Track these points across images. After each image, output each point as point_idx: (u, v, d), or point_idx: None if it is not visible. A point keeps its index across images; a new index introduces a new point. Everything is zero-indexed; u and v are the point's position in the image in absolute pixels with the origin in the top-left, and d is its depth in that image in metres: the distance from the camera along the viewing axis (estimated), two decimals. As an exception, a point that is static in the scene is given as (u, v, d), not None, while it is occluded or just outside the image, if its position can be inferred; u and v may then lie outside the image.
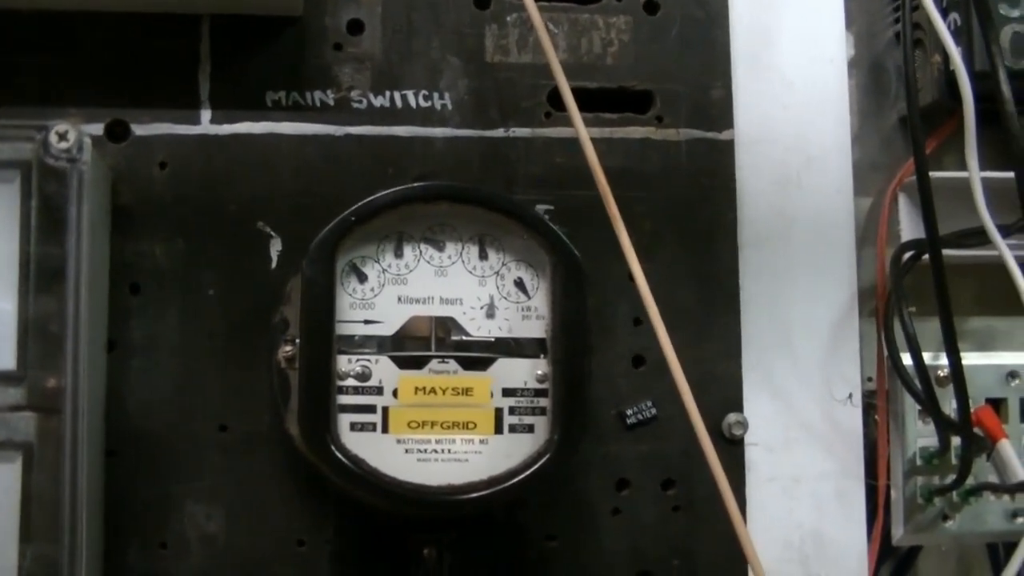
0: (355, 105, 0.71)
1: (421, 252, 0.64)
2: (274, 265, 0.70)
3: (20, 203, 0.64)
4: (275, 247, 0.70)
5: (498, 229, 0.64)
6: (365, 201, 0.63)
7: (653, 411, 0.70)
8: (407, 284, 0.64)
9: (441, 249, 0.64)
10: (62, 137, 0.63)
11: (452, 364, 0.63)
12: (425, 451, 0.63)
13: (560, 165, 0.72)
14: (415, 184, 0.65)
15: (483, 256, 0.64)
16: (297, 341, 0.65)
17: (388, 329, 0.64)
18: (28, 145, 0.64)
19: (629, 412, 0.70)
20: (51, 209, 0.64)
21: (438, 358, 0.63)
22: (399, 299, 0.64)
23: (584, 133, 0.65)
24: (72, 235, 0.63)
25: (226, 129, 0.70)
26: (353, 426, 0.63)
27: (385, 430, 0.63)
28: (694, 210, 0.73)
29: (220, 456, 0.69)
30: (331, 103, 0.71)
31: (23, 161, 0.64)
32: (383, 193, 0.64)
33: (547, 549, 0.70)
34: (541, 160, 0.72)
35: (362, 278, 0.64)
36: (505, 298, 0.64)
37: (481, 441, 0.63)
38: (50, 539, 0.63)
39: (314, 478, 0.68)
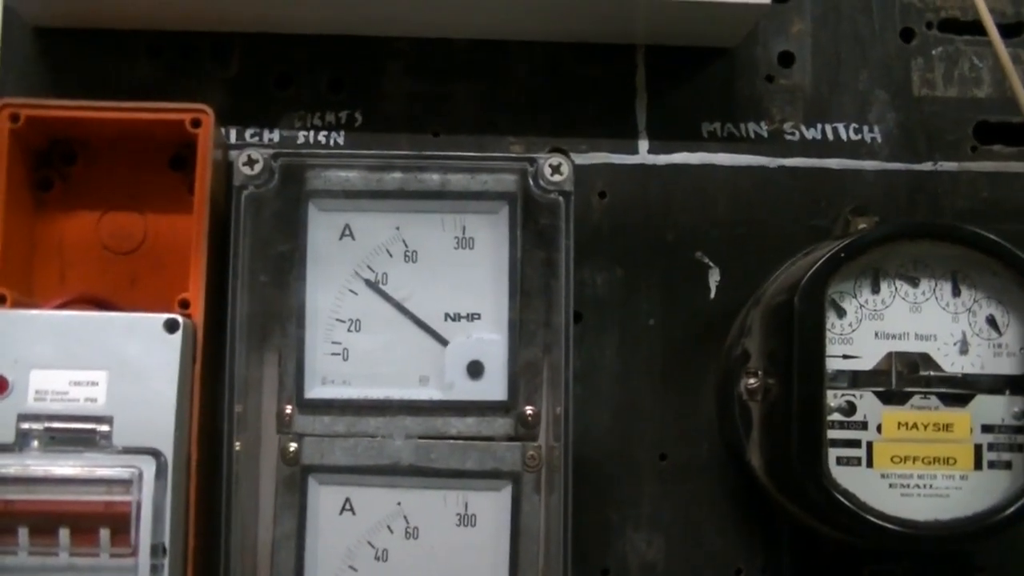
0: (788, 137, 0.72)
1: (896, 288, 0.64)
2: (712, 295, 0.70)
3: (508, 234, 0.64)
4: (713, 277, 0.70)
5: (970, 266, 0.65)
6: (853, 238, 0.63)
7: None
8: (883, 320, 0.64)
9: (915, 285, 0.65)
10: (555, 170, 0.64)
11: (933, 400, 0.64)
12: (908, 486, 0.64)
13: (986, 199, 0.72)
14: (901, 221, 0.66)
15: (956, 293, 0.65)
16: (760, 373, 0.66)
17: (866, 364, 0.64)
18: (513, 177, 0.65)
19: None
20: (542, 241, 0.64)
21: (921, 394, 0.64)
22: (876, 334, 0.64)
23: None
24: (562, 267, 0.64)
25: (663, 159, 0.71)
26: (839, 460, 0.63)
27: (869, 464, 0.63)
28: None
29: (659, 484, 0.69)
30: (764, 135, 0.72)
31: (509, 193, 0.65)
32: (870, 230, 0.64)
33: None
34: (967, 194, 0.72)
35: (841, 313, 0.64)
36: (977, 335, 0.65)
37: (961, 477, 0.64)
38: (533, 564, 0.64)
39: (754, 507, 0.69)
